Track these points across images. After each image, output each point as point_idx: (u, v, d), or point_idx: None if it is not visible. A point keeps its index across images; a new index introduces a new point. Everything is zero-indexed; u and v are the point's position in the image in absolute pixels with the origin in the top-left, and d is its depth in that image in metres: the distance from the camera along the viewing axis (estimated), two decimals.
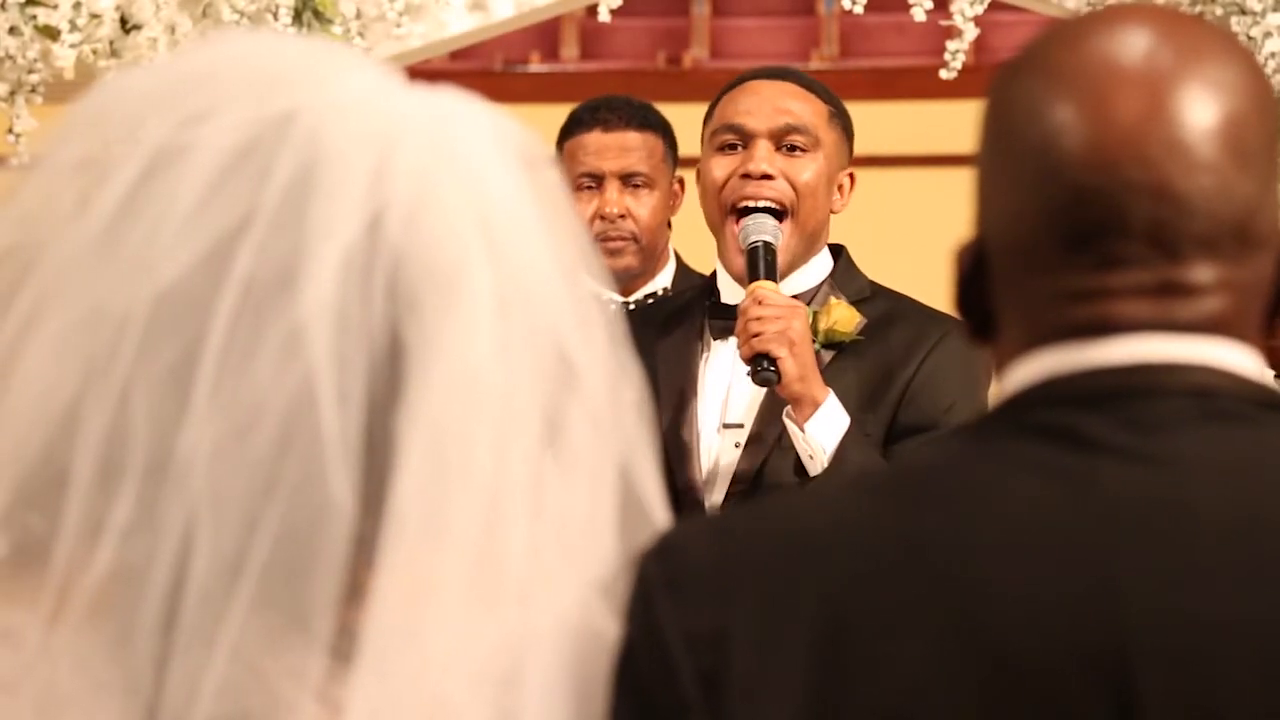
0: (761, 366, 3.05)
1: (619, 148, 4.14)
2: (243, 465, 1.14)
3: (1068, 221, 1.19)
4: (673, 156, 4.21)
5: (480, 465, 1.17)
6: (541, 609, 1.18)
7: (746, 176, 3.19)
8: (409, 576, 1.15)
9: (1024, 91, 1.21)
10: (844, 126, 3.30)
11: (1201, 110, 1.19)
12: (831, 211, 3.27)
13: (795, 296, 3.20)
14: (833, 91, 3.34)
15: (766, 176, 3.19)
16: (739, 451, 3.16)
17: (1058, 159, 1.19)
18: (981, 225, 1.25)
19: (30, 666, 1.16)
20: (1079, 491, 1.15)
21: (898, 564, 1.15)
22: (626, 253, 4.15)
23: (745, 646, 1.15)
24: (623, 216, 4.13)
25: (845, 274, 3.27)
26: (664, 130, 4.21)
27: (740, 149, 3.22)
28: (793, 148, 3.22)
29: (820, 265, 3.27)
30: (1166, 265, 1.19)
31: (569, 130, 4.19)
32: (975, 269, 1.24)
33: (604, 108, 4.20)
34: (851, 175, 3.30)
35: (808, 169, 3.21)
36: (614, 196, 4.13)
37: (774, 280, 3.12)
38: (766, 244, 3.14)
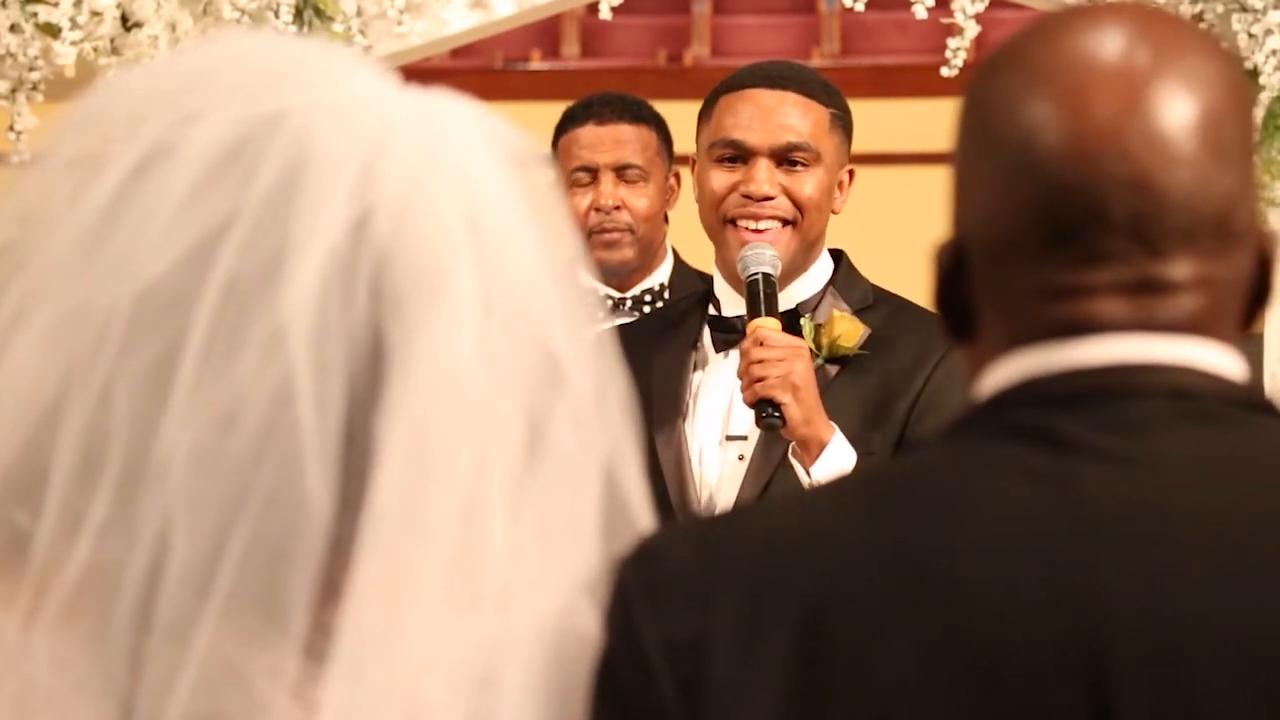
0: (766, 413, 3.01)
1: (613, 140, 4.15)
2: (221, 464, 1.14)
3: (1048, 216, 1.19)
4: (667, 150, 4.22)
5: (461, 465, 1.17)
6: (521, 611, 1.18)
7: (747, 197, 3.15)
8: (387, 576, 1.15)
9: (1002, 89, 1.21)
10: (844, 126, 3.24)
11: (1180, 105, 1.19)
12: (832, 212, 3.23)
13: (797, 305, 3.17)
14: (831, 85, 3.28)
15: (767, 198, 3.15)
16: (744, 464, 3.12)
17: (1037, 154, 1.19)
18: (960, 223, 1.25)
19: (10, 664, 1.16)
20: (1058, 493, 1.15)
21: (877, 567, 1.15)
22: (623, 245, 4.15)
23: (725, 652, 1.15)
24: (618, 208, 4.14)
25: (847, 281, 3.23)
26: (657, 123, 4.22)
27: (739, 163, 3.18)
28: (794, 163, 3.17)
29: (821, 271, 3.23)
30: (1146, 260, 1.19)
31: (562, 127, 4.21)
32: (955, 268, 1.24)
33: (596, 103, 4.22)
34: (851, 172, 3.26)
35: (808, 183, 3.17)
36: (609, 189, 4.14)
37: (775, 315, 3.08)
38: (766, 275, 3.09)
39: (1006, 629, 1.13)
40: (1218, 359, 1.20)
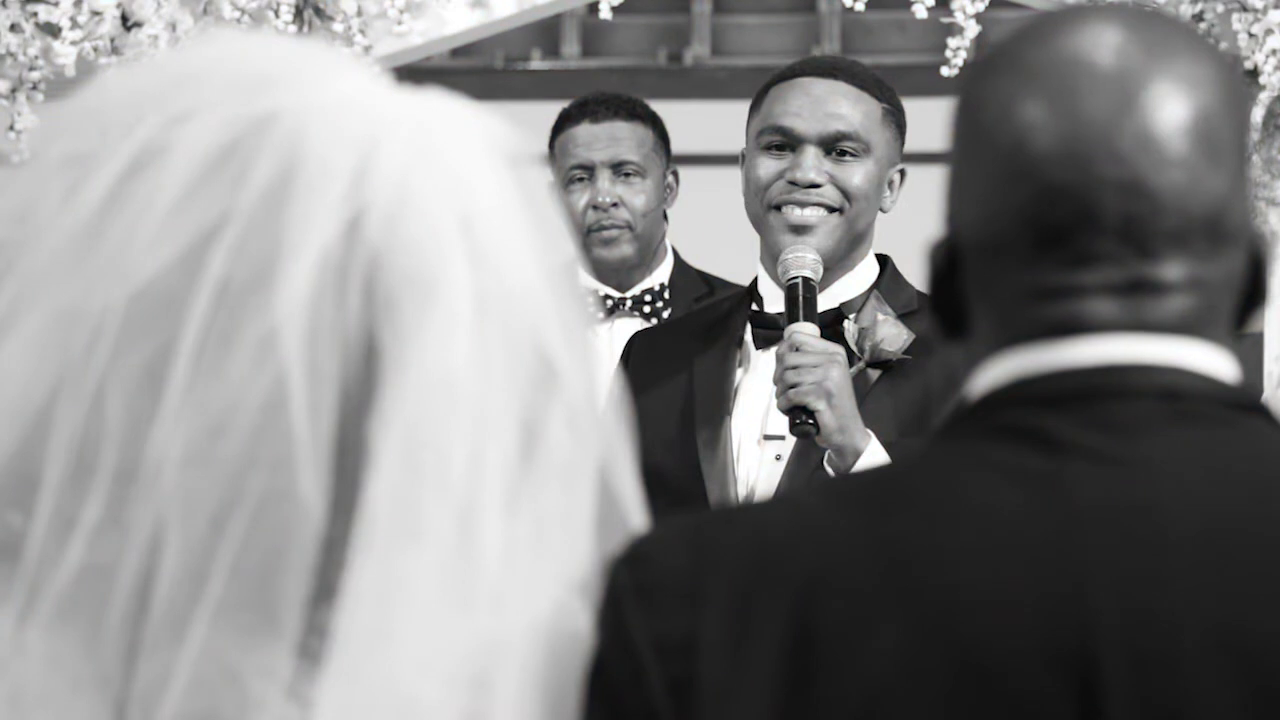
0: (800, 420, 2.96)
1: (608, 137, 4.16)
2: (213, 466, 1.15)
3: (1040, 218, 1.19)
4: (664, 147, 4.22)
5: (455, 467, 1.17)
6: (516, 611, 1.18)
7: (793, 183, 3.09)
8: (382, 577, 1.15)
9: (994, 90, 1.21)
10: (897, 123, 3.18)
11: (1172, 106, 1.19)
12: (880, 210, 3.17)
13: (840, 305, 3.12)
14: (885, 82, 3.21)
15: (814, 185, 3.09)
16: (780, 464, 3.08)
17: (1029, 156, 1.19)
18: (953, 223, 1.25)
19: (5, 664, 1.16)
20: (1047, 493, 1.15)
21: (867, 566, 1.15)
22: (622, 241, 4.15)
23: (714, 652, 1.15)
24: (615, 205, 4.14)
25: (892, 285, 3.17)
26: (653, 121, 4.22)
27: (787, 151, 3.11)
28: (843, 153, 3.11)
29: (866, 273, 3.17)
30: (1137, 261, 1.19)
31: (559, 127, 4.21)
32: (948, 267, 1.24)
33: (591, 101, 4.22)
34: (902, 171, 3.19)
35: (857, 174, 3.11)
36: (605, 186, 4.14)
37: (814, 320, 3.02)
38: (806, 280, 3.03)
39: (994, 628, 1.13)
40: (1208, 359, 1.20)
